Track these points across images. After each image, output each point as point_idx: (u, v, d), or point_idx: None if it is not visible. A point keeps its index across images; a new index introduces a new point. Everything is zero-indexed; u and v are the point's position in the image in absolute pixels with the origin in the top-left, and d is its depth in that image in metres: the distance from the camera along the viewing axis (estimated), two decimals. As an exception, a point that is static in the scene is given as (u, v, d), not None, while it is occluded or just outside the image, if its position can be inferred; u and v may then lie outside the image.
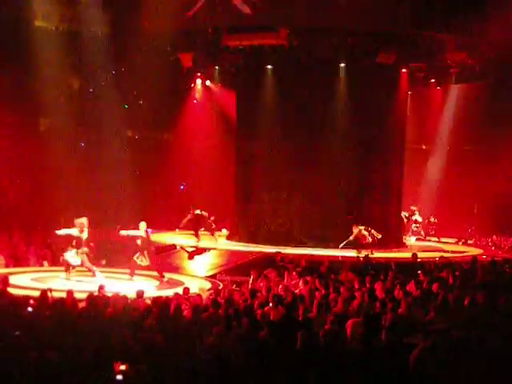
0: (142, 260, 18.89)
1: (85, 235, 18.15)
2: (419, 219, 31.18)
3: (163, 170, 33.34)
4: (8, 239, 23.56)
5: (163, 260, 22.99)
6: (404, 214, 30.38)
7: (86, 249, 18.05)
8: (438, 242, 30.59)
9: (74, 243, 18.02)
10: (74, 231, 18.06)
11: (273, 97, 27.22)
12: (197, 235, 27.03)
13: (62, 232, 18.37)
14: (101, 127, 30.40)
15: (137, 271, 19.00)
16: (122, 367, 7.31)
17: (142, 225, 19.19)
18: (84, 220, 18.30)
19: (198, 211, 27.21)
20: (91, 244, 18.57)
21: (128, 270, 18.89)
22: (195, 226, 27.34)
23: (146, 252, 18.98)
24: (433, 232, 31.98)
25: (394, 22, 24.73)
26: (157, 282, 18.69)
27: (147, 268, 19.14)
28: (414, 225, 31.09)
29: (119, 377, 7.20)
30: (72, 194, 26.22)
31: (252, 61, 26.75)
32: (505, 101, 30.32)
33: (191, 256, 23.73)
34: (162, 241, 26.57)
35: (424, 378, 8.06)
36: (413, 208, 31.10)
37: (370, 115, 26.64)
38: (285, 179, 27.19)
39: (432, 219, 32.02)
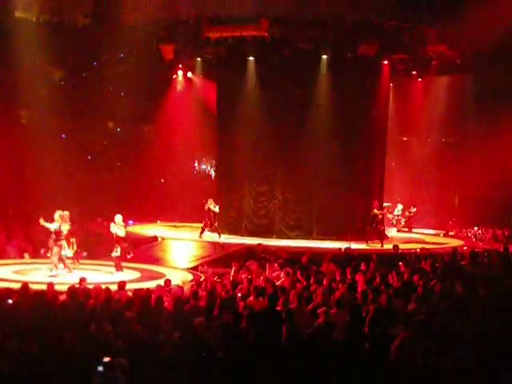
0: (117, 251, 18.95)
1: (66, 228, 18.08)
2: (396, 212, 31.42)
3: (144, 161, 33.23)
4: (-12, 232, 23.44)
5: (145, 252, 22.98)
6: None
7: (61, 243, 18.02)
8: (409, 231, 30.85)
9: (52, 236, 17.97)
10: (53, 225, 17.97)
11: (254, 88, 27.16)
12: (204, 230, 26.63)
13: (44, 223, 18.24)
14: (82, 119, 30.30)
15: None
16: (106, 359, 7.30)
17: (118, 218, 19.18)
18: (66, 213, 18.25)
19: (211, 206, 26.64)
20: (72, 239, 18.55)
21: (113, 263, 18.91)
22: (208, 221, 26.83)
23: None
24: (404, 221, 32.12)
25: (376, 14, 24.78)
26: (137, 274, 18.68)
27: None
28: (392, 217, 31.24)
29: (100, 368, 7.19)
30: (53, 186, 26.09)
31: (233, 52, 26.66)
32: (486, 93, 30.47)
33: None
34: (144, 233, 26.54)
35: (405, 368, 8.10)
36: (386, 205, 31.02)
37: (352, 107, 26.64)
38: (267, 171, 27.17)
39: (411, 210, 32.11)
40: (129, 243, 19.80)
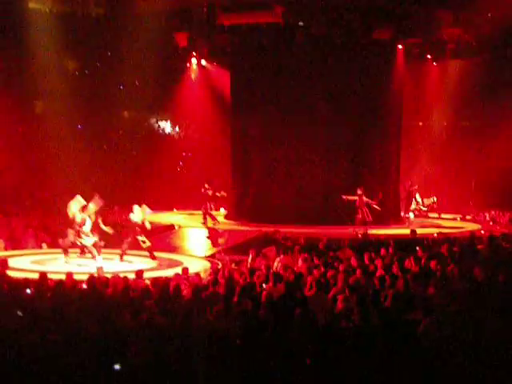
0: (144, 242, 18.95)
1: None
2: (418, 199, 31.20)
3: (159, 150, 33.26)
4: (6, 222, 23.54)
5: (162, 240, 23.02)
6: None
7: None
8: (439, 217, 30.67)
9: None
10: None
11: (268, 75, 27.09)
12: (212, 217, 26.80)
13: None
14: (97, 109, 30.35)
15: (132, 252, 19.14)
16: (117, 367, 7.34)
17: (136, 209, 19.17)
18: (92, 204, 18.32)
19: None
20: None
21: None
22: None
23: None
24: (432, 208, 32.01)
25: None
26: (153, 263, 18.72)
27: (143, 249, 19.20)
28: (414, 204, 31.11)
29: (117, 367, 7.24)
30: (69, 176, 26.18)
31: (247, 39, 26.63)
32: (502, 76, 30.26)
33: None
34: (161, 221, 26.60)
35: (426, 353, 8.08)
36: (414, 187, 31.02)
37: (367, 92, 26.56)
38: (282, 158, 27.16)
39: (432, 199, 31.98)
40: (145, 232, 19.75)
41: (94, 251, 17.83)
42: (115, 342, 7.75)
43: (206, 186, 26.91)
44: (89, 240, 17.92)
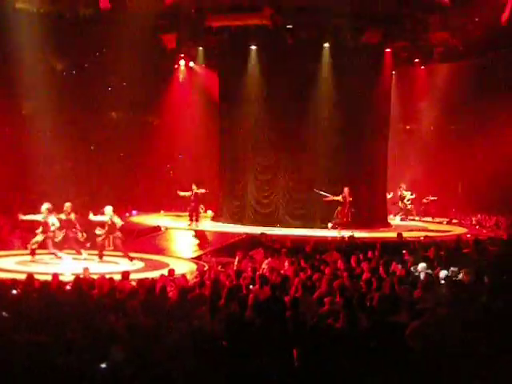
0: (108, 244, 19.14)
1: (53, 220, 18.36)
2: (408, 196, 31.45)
3: (148, 152, 33.20)
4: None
5: (148, 242, 23.00)
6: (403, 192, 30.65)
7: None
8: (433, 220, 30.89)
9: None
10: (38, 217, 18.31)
11: (257, 77, 27.16)
12: (195, 217, 26.85)
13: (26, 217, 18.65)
14: (85, 110, 30.24)
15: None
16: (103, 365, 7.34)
17: (108, 209, 19.24)
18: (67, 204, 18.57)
19: (199, 190, 26.93)
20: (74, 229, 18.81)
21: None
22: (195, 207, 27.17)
23: (111, 236, 19.09)
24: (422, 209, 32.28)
25: (379, 2, 24.66)
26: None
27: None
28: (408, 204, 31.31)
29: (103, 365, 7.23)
30: (56, 177, 26.11)
31: (236, 41, 26.64)
32: (489, 80, 30.37)
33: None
34: (147, 223, 26.58)
35: (412, 355, 8.10)
36: (402, 186, 31.24)
37: (355, 95, 26.62)
38: (269, 160, 27.19)
39: (428, 198, 32.20)
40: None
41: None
42: (101, 343, 7.74)
43: (194, 187, 26.86)
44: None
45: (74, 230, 18.87)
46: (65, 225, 18.68)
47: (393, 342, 8.28)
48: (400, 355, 7.90)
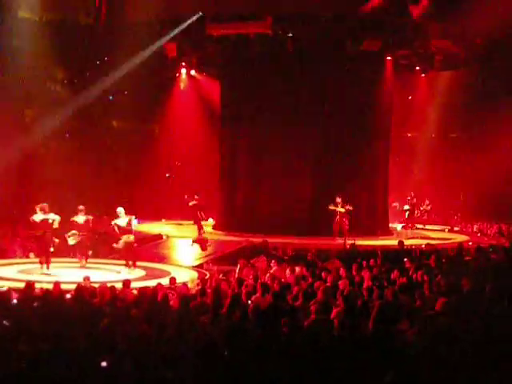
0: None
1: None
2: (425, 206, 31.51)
3: (149, 160, 33.23)
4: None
5: (150, 250, 22.98)
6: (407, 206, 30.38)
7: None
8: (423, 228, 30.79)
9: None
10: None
11: (258, 86, 27.15)
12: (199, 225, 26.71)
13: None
14: (86, 118, 30.29)
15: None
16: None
17: (121, 210, 19.22)
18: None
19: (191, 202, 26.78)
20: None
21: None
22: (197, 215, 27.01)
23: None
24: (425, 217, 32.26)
25: (379, 10, 24.70)
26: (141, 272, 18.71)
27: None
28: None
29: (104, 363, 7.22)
30: (58, 185, 26.11)
31: (237, 50, 26.67)
32: (489, 88, 30.41)
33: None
34: (149, 231, 26.55)
35: (413, 363, 8.09)
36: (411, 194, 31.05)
37: (356, 103, 26.66)
38: (271, 167, 27.19)
39: (427, 204, 32.19)
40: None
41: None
42: (102, 351, 7.72)
43: (196, 196, 26.81)
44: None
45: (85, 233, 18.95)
46: (83, 227, 18.73)
47: (392, 351, 8.27)
48: (399, 363, 7.89)
